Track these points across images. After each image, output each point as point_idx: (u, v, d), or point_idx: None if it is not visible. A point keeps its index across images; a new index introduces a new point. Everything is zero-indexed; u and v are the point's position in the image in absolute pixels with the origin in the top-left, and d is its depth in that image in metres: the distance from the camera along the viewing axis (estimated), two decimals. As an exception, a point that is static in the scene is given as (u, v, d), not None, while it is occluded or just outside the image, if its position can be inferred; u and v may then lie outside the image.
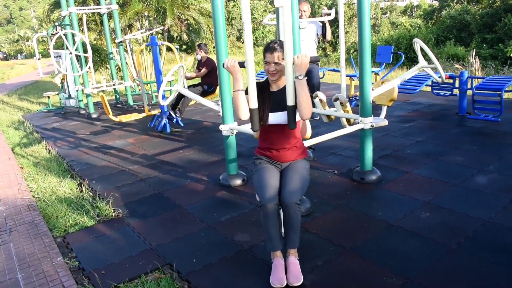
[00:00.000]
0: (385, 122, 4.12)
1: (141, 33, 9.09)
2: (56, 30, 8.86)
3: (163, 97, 4.50)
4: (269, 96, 2.55)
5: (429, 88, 7.41)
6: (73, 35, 8.11)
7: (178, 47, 8.44)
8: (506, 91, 5.51)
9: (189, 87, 6.68)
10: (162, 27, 11.03)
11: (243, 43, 30.41)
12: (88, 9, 9.30)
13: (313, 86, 5.25)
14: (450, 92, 6.80)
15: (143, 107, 8.91)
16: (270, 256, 2.56)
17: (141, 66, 6.60)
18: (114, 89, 9.18)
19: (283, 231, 2.59)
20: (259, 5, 28.86)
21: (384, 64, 7.99)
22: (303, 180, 2.47)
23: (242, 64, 2.53)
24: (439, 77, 3.72)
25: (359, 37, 3.64)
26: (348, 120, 4.23)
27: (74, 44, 8.12)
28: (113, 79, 9.17)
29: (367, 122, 3.82)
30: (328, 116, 4.25)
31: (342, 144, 5.17)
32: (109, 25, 9.52)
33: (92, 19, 11.69)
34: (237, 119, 4.05)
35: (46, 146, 6.30)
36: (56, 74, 9.67)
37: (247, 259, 2.77)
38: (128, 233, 3.26)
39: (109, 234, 3.28)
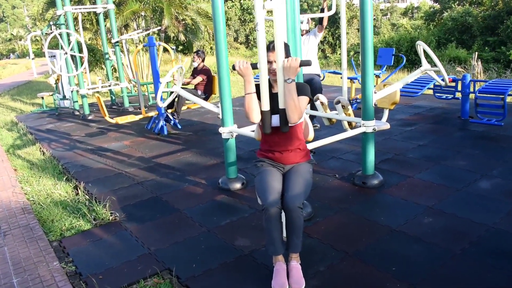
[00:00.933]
0: (387, 126, 4.15)
1: (138, 33, 9.11)
2: (51, 30, 8.86)
3: (161, 99, 4.52)
4: (271, 98, 2.57)
5: (430, 91, 7.46)
6: (68, 34, 8.11)
7: (174, 47, 8.47)
8: (509, 95, 5.54)
9: (183, 89, 6.70)
10: (159, 27, 11.04)
11: (240, 44, 30.27)
12: (84, 8, 9.30)
13: (315, 90, 5.27)
14: (452, 96, 6.85)
15: (140, 109, 8.92)
16: (272, 260, 2.57)
17: (138, 67, 6.61)
18: (110, 90, 9.18)
19: (285, 235, 2.60)
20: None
21: (385, 66, 8.04)
22: (306, 183, 2.49)
23: (254, 66, 2.52)
24: (442, 80, 3.75)
25: (361, 39, 3.67)
26: (349, 123, 4.26)
27: (69, 44, 8.13)
28: (108, 80, 9.17)
29: (369, 126, 3.85)
30: (330, 119, 4.27)
31: (343, 147, 5.20)
32: (105, 25, 9.54)
33: (87, 19, 11.70)
34: (236, 121, 4.08)
35: (40, 148, 6.30)
36: (50, 74, 9.67)
37: (247, 264, 2.78)
38: (126, 237, 3.27)
39: (107, 238, 3.28)
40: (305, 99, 2.49)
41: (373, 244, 2.93)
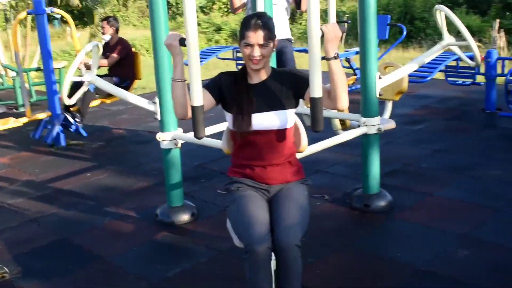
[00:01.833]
0: (392, 124, 4.31)
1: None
2: None
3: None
4: (249, 91, 2.59)
5: (441, 75, 7.82)
6: None
7: (59, 16, 8.23)
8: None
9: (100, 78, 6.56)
10: None
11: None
12: None
13: (287, 62, 5.41)
14: (472, 80, 7.22)
15: (16, 108, 8.64)
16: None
17: (18, 46, 6.36)
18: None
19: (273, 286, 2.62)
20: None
21: (378, 41, 8.33)
22: (303, 212, 2.51)
23: (182, 42, 2.52)
24: (472, 59, 3.96)
25: (360, 2, 3.79)
26: (342, 122, 4.37)
27: None
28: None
29: (373, 125, 3.96)
30: (343, 122, 4.35)
31: (329, 157, 5.29)
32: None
33: None
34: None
35: None
36: None
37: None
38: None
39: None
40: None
41: (392, 292, 3.03)
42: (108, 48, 6.67)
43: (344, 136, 3.97)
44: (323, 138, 3.77)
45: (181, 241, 3.82)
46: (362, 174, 4.17)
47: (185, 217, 4.11)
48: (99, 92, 6.47)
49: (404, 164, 5.04)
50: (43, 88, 8.77)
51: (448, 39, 3.98)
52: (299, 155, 3.30)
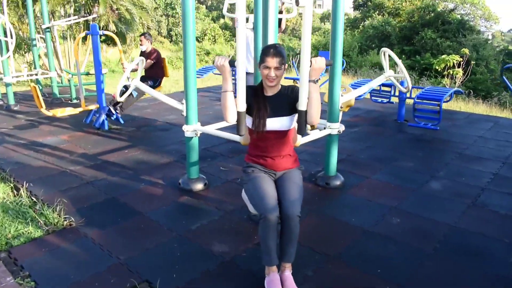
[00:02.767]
0: (343, 127, 4.20)
1: (73, 19, 8.31)
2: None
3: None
4: (265, 101, 2.42)
5: (368, 95, 7.75)
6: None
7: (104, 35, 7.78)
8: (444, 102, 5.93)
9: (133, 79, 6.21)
10: (95, 15, 10.19)
11: (164, 37, 29.11)
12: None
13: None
14: (387, 100, 7.19)
15: (70, 100, 8.19)
16: (263, 268, 2.42)
17: (78, 56, 5.98)
18: (37, 79, 8.28)
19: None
20: (179, -4, 28.12)
21: (324, 70, 8.21)
22: (301, 190, 2.39)
23: (232, 63, 2.36)
24: (405, 87, 3.88)
25: (332, 39, 3.64)
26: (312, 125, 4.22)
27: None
28: (35, 68, 8.26)
29: (335, 128, 3.86)
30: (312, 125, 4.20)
31: (298, 148, 5.13)
32: (33, 9, 8.58)
33: (12, 0, 10.44)
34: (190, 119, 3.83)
35: (-42, 142, 5.46)
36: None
37: (232, 272, 2.60)
38: (88, 245, 2.90)
39: (65, 246, 2.88)
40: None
41: (351, 246, 2.91)
42: (144, 55, 6.32)
43: (316, 135, 3.83)
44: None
45: (197, 203, 3.62)
46: (325, 162, 4.05)
47: (200, 186, 3.90)
48: (139, 96, 6.15)
49: (348, 155, 4.95)
50: (89, 87, 8.39)
51: (388, 72, 3.88)
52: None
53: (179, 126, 6.26)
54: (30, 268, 2.62)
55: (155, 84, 6.28)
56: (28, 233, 3.04)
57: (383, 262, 2.72)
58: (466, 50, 10.58)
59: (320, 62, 2.24)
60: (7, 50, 7.21)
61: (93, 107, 5.92)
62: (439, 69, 10.13)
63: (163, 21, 27.67)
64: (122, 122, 6.17)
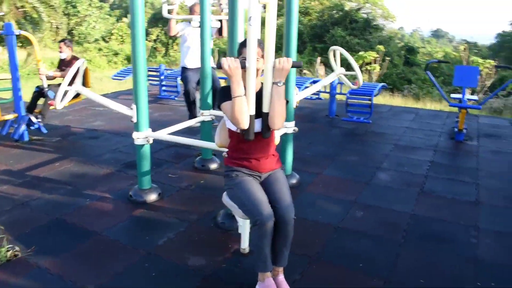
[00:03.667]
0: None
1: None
2: None
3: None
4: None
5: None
6: None
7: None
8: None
9: (50, 87, 5.61)
10: (2, 13, 9.02)
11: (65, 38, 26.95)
12: None
13: (215, 91, 5.04)
14: (317, 96, 7.45)
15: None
16: (250, 277, 2.33)
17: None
18: None
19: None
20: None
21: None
22: (290, 192, 2.32)
23: (243, 65, 2.18)
24: (353, 84, 4.00)
25: (286, 34, 3.62)
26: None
27: None
28: None
29: (290, 127, 3.85)
30: None
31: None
32: None
33: None
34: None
35: None
36: None
37: (219, 286, 2.45)
38: (45, 277, 2.51)
39: (16, 282, 2.47)
40: (285, 102, 2.30)
41: (328, 245, 2.93)
42: (63, 64, 5.74)
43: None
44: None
45: (156, 215, 3.37)
46: (283, 161, 4.02)
47: (154, 196, 3.64)
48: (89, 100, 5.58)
49: (295, 153, 4.97)
50: (2, 94, 7.42)
51: (339, 69, 3.97)
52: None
53: (109, 133, 5.84)
54: (-22, 314, 2.21)
55: (75, 95, 5.73)
56: (-37, 271, 2.56)
57: (362, 257, 2.77)
58: (382, 47, 11.41)
59: (285, 63, 2.12)
60: None
61: (10, 116, 5.24)
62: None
63: (63, 21, 25.56)
64: (45, 131, 5.55)
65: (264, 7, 2.27)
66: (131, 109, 3.49)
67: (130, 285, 2.45)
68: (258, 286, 2.26)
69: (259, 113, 2.27)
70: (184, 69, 5.33)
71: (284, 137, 3.90)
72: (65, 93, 3.55)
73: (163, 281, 2.49)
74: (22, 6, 9.86)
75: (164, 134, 3.67)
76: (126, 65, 20.76)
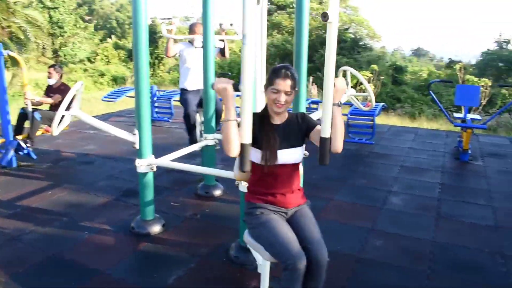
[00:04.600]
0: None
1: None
2: None
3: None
4: (273, 131, 2.13)
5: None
6: None
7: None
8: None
9: (36, 110, 5.35)
10: None
11: (50, 59, 26.63)
12: None
13: (218, 110, 4.86)
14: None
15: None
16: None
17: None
18: None
19: None
20: (69, 18, 25.96)
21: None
22: (319, 230, 2.14)
23: (236, 87, 2.03)
24: (364, 105, 3.88)
25: (296, 52, 3.49)
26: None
27: None
28: None
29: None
30: None
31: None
32: None
33: None
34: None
35: None
36: None
37: (242, 331, 2.22)
38: (44, 326, 2.26)
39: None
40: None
41: (353, 277, 2.74)
42: (51, 90, 5.49)
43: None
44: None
45: (162, 250, 3.13)
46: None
47: (158, 228, 3.40)
48: (44, 122, 5.33)
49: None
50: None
51: (350, 91, 3.85)
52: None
53: (102, 158, 5.58)
54: None
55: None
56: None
57: (392, 291, 2.58)
58: (375, 67, 11.44)
59: (341, 83, 2.03)
60: None
61: (-4, 142, 4.97)
62: (352, 85, 10.78)
63: (49, 42, 25.26)
64: (35, 157, 5.27)
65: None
66: (134, 134, 3.28)
67: (142, 334, 2.20)
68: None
69: (290, 143, 2.13)
70: (183, 91, 5.13)
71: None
72: (62, 118, 3.33)
73: (179, 327, 2.25)
74: (8, 26, 9.61)
75: (167, 161, 3.47)
76: (112, 86, 20.55)
